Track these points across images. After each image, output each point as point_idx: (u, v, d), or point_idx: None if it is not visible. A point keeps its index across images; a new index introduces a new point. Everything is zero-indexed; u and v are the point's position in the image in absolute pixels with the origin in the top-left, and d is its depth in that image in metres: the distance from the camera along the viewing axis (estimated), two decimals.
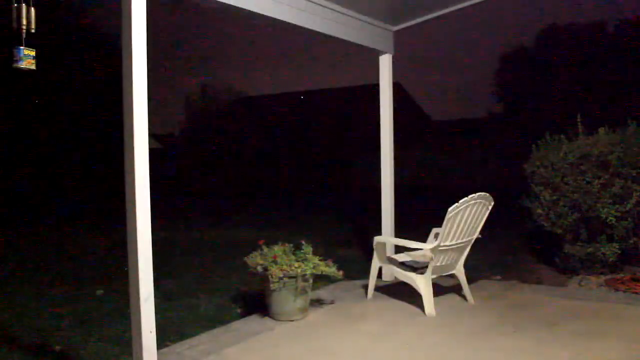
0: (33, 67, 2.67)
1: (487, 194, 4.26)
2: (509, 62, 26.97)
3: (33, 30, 2.67)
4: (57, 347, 3.73)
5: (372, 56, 5.38)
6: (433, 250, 4.06)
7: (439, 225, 4.14)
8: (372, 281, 4.59)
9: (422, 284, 4.13)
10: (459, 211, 4.02)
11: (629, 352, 3.22)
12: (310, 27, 4.34)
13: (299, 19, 4.19)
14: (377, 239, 4.57)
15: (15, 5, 2.64)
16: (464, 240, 4.26)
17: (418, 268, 4.27)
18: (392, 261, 4.56)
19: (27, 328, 4.15)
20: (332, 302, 4.54)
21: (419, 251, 4.66)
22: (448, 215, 3.97)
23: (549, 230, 5.45)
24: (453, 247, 4.18)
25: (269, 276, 3.86)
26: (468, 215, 4.12)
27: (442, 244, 4.06)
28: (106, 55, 18.28)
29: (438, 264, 4.18)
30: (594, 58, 22.57)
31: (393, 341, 3.59)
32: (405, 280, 4.29)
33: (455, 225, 4.07)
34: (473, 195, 4.10)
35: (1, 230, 9.47)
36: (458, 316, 4.08)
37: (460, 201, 4.00)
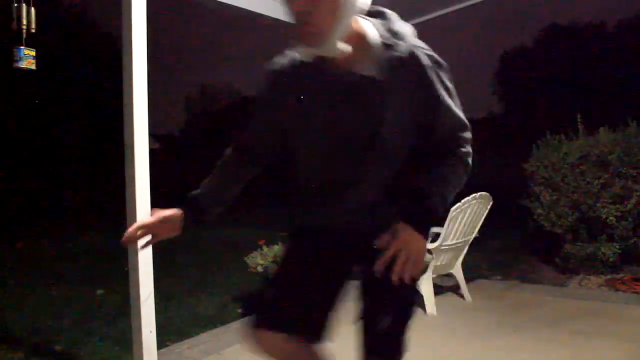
0: (33, 67, 2.67)
1: (487, 194, 4.26)
2: (509, 61, 26.99)
3: (33, 30, 2.67)
4: (57, 347, 3.73)
5: None
6: (435, 249, 4.06)
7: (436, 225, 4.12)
8: None
9: (423, 283, 4.12)
10: (460, 210, 4.02)
11: (628, 352, 3.22)
12: None
13: None
14: None
15: (16, 5, 2.64)
16: (464, 239, 4.26)
17: None
18: None
19: (27, 328, 4.14)
20: None
21: None
22: (451, 215, 3.96)
23: (549, 230, 5.45)
24: (453, 246, 4.18)
25: (269, 276, 3.86)
26: (469, 215, 4.12)
27: (443, 243, 4.06)
28: (106, 55, 18.30)
29: (438, 263, 4.18)
30: (594, 58, 22.58)
31: None
32: None
33: (456, 225, 4.07)
34: (474, 194, 4.10)
35: (1, 230, 9.47)
36: (457, 316, 4.08)
37: (462, 200, 4.00)
